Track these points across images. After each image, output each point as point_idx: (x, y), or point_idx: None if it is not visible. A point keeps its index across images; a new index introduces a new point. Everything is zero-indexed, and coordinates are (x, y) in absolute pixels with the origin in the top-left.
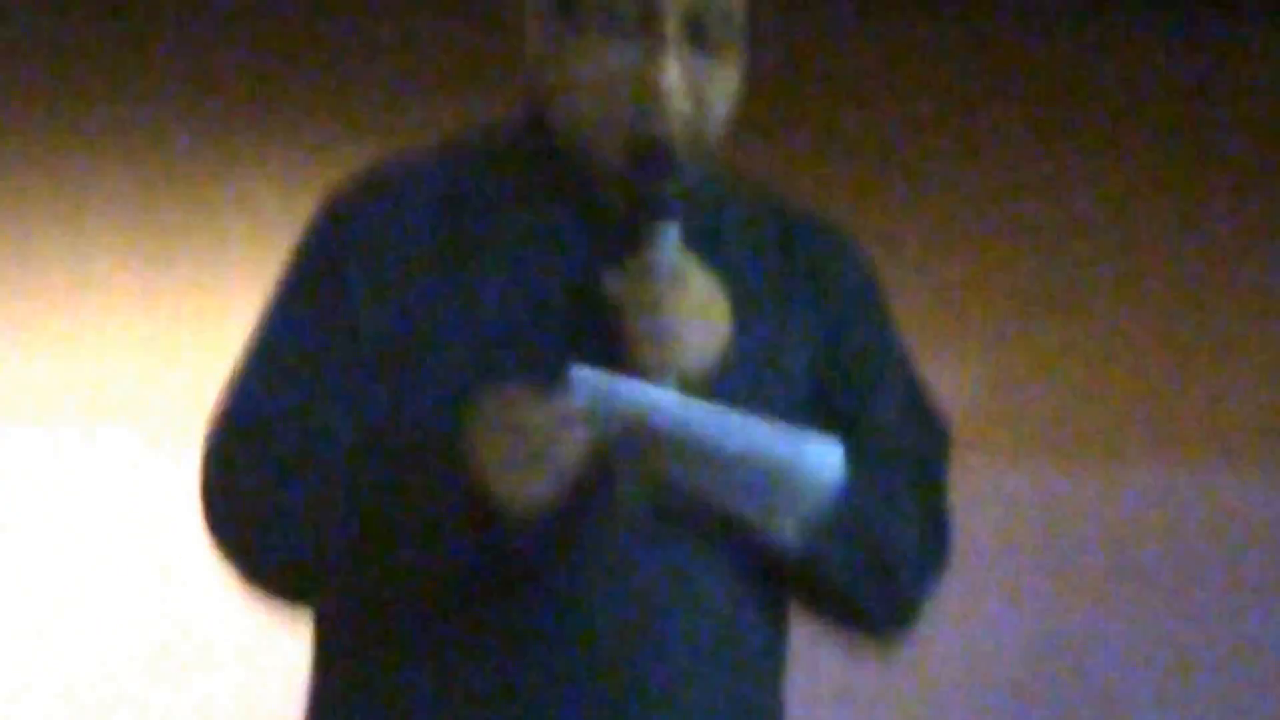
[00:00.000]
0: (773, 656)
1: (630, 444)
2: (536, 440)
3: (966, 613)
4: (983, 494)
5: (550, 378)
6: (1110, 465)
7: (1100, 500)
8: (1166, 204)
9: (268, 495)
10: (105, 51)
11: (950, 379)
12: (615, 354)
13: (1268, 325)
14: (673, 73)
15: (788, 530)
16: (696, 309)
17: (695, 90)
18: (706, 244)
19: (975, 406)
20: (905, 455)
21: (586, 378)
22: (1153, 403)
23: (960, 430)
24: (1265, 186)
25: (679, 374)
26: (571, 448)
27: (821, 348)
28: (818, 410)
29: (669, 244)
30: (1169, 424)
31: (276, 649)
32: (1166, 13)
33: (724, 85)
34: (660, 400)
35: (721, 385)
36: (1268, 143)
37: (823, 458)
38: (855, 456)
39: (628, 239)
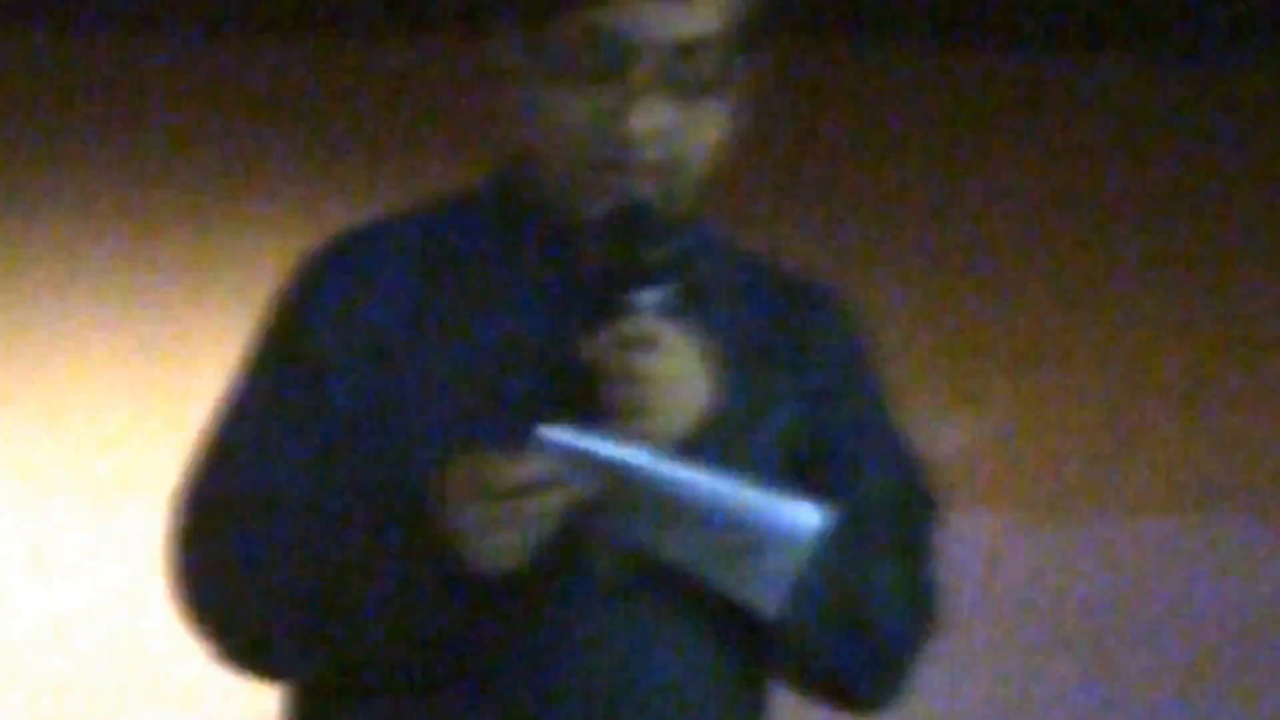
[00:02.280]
0: None
1: (603, 506)
2: (508, 503)
3: (954, 672)
4: (972, 553)
5: (524, 440)
6: (1103, 521)
7: (1093, 557)
8: (1153, 258)
9: (236, 570)
10: (97, 106)
11: (941, 438)
12: (592, 419)
13: (1260, 372)
14: (646, 120)
15: (764, 597)
16: (676, 377)
17: (671, 138)
18: (691, 302)
19: (967, 465)
20: (893, 521)
21: (559, 439)
22: (1144, 458)
23: (952, 491)
24: (1253, 235)
25: (655, 441)
26: (543, 511)
27: (808, 413)
28: (802, 476)
29: (648, 311)
30: (1160, 479)
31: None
32: (1151, 51)
33: (704, 133)
34: (634, 462)
35: (699, 450)
36: (1252, 192)
37: (798, 520)
38: (841, 522)
39: (603, 299)
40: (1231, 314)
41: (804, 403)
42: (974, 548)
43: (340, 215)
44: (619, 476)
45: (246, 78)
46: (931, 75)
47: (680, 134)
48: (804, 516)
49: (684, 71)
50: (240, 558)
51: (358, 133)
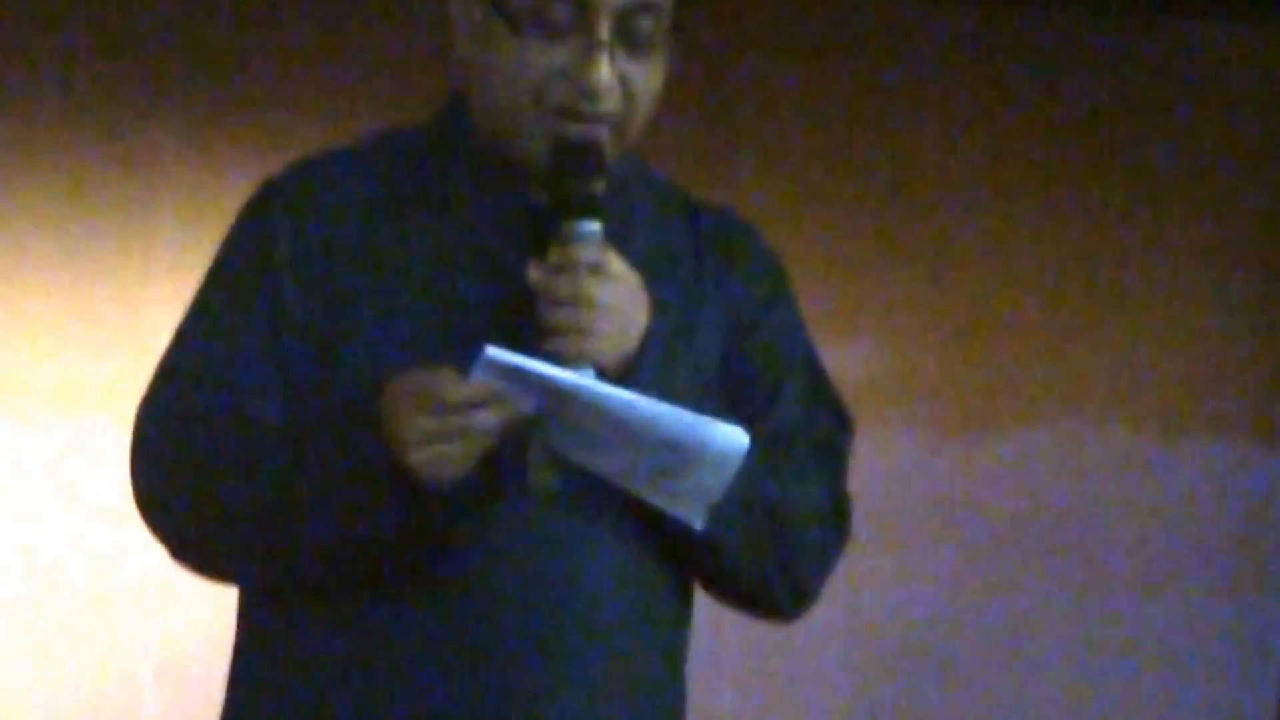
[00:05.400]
0: (676, 630)
1: (542, 423)
2: (450, 417)
3: (859, 584)
4: (875, 467)
5: (470, 359)
6: (996, 432)
7: (988, 467)
8: (1050, 177)
9: (192, 477)
10: (35, 50)
11: (845, 356)
12: (535, 343)
13: (1152, 289)
14: (605, 73)
15: (692, 511)
16: (616, 303)
17: (625, 89)
18: (620, 235)
19: (868, 382)
20: (809, 440)
21: (500, 358)
22: (1038, 370)
23: (856, 407)
24: (1147, 156)
25: (596, 365)
26: (484, 425)
27: (730, 336)
28: (726, 396)
29: (591, 240)
30: (1055, 391)
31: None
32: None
33: (650, 83)
34: (571, 383)
35: (636, 371)
36: (1145, 115)
37: (727, 442)
38: (761, 441)
39: (550, 232)
40: (1106, 229)
41: (728, 327)
42: (880, 464)
43: (285, 156)
44: (558, 395)
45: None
46: (877, 25)
47: (632, 85)
48: (729, 438)
49: (635, 27)
50: (196, 467)
51: (293, 73)
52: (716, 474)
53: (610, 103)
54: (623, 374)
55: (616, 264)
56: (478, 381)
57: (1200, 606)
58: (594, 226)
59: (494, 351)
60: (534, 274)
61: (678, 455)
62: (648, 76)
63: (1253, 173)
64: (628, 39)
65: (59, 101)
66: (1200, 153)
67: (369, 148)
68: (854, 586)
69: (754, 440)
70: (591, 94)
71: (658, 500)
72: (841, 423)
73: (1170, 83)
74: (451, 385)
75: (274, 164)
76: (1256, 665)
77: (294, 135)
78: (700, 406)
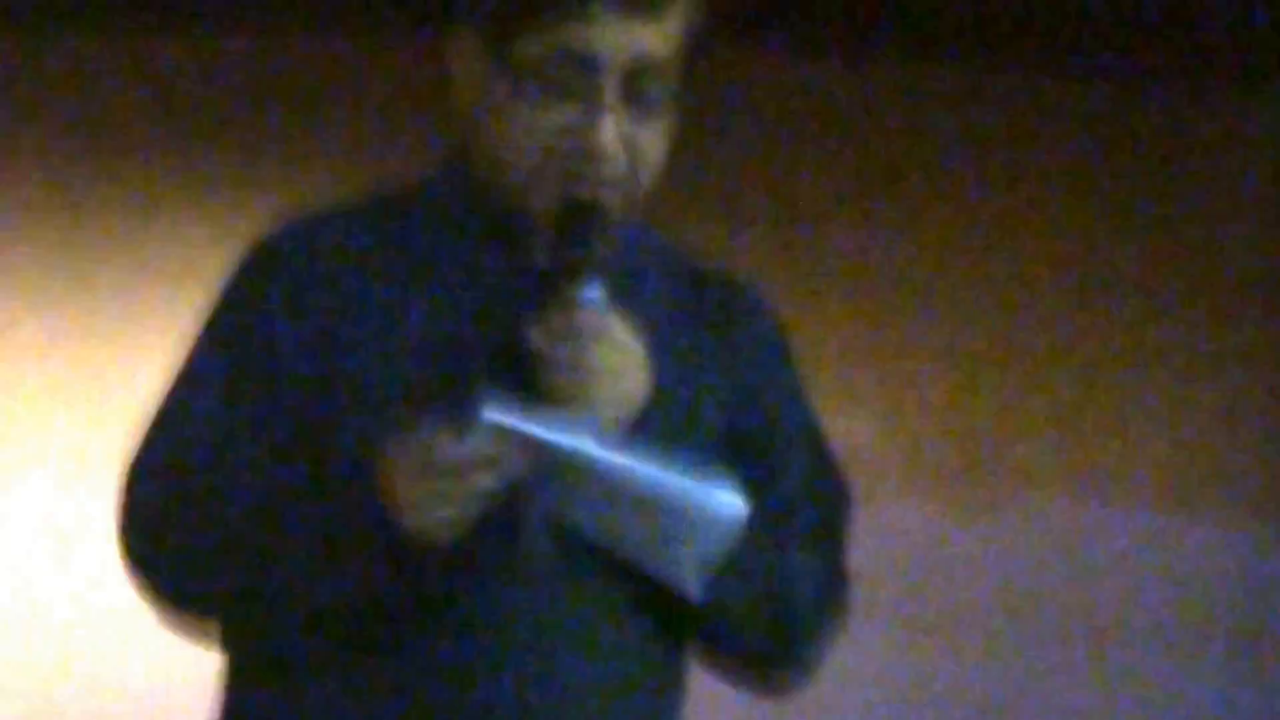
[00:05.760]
0: (669, 698)
1: (539, 487)
2: (448, 480)
3: (858, 656)
4: (875, 539)
5: (467, 420)
6: (1000, 505)
7: (991, 540)
8: (1059, 246)
9: (182, 531)
10: (31, 80)
11: (847, 426)
12: (534, 404)
13: (1163, 369)
14: (611, 135)
15: (689, 580)
16: (616, 367)
17: (630, 151)
18: (622, 299)
19: (870, 454)
20: (808, 511)
21: (499, 418)
22: (1042, 442)
23: (856, 476)
24: (1163, 233)
25: (594, 429)
26: (481, 488)
27: (731, 402)
28: (727, 464)
29: (593, 306)
30: (1060, 464)
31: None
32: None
33: (657, 145)
34: (570, 445)
35: (635, 438)
36: (1166, 193)
37: (726, 509)
38: (760, 510)
39: (551, 292)
40: (1121, 310)
41: (730, 392)
42: (881, 537)
43: (282, 198)
44: (556, 459)
45: (198, 48)
46: (859, 87)
47: (639, 147)
48: (729, 506)
49: (644, 88)
50: (185, 528)
51: (292, 127)
52: (714, 542)
53: (615, 166)
54: (622, 439)
55: (618, 330)
56: (475, 443)
57: (1206, 684)
58: (596, 293)
59: (493, 413)
60: (534, 337)
61: (676, 521)
62: (654, 140)
63: (1266, 241)
64: (634, 101)
65: (47, 153)
66: (1212, 222)
67: (365, 206)
68: (852, 658)
69: (754, 511)
70: (596, 157)
71: (654, 568)
72: (842, 495)
73: (1181, 149)
74: (449, 447)
75: (275, 204)
76: None
77: (288, 180)
78: (700, 474)
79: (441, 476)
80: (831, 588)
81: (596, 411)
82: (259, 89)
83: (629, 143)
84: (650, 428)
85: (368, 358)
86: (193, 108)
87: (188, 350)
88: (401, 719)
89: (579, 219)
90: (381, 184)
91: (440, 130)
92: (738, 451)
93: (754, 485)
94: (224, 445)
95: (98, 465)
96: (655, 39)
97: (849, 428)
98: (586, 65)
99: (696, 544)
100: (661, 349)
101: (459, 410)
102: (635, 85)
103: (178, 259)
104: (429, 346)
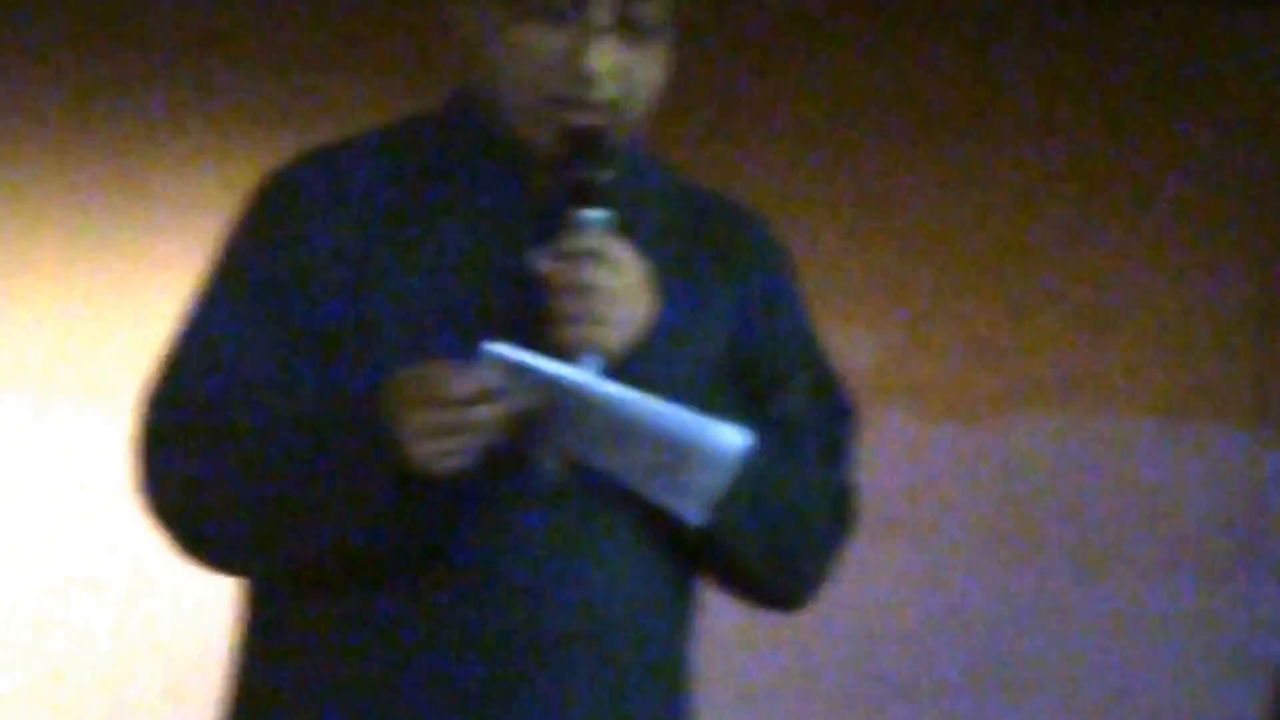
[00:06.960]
0: (680, 625)
1: (542, 419)
2: (449, 411)
3: (863, 572)
4: (876, 454)
5: (474, 352)
6: (999, 419)
7: (997, 456)
8: (1055, 167)
9: (196, 464)
10: (36, 26)
11: (849, 343)
12: (541, 331)
13: (1155, 277)
14: (604, 59)
15: (693, 508)
16: (622, 292)
17: (624, 76)
18: (626, 225)
19: (871, 369)
20: (813, 433)
21: (502, 353)
22: (1039, 357)
23: (859, 394)
24: (1151, 146)
25: (600, 354)
26: (486, 420)
27: (735, 327)
28: (731, 388)
29: (598, 229)
30: (1057, 378)
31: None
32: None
33: (651, 72)
34: (573, 379)
35: (639, 364)
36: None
37: (726, 443)
38: (766, 434)
39: (558, 220)
40: (1114, 224)
41: (734, 318)
42: (881, 451)
43: (289, 138)
44: (560, 392)
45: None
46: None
47: (632, 72)
48: (729, 439)
49: (636, 14)
50: (201, 456)
51: (301, 59)
52: (715, 474)
53: (608, 90)
54: (628, 362)
55: (622, 252)
56: (477, 376)
57: (1198, 593)
58: (600, 215)
59: (495, 347)
60: (540, 261)
61: (677, 454)
62: (649, 66)
63: (1257, 162)
64: (629, 26)
65: (56, 90)
66: (1204, 143)
67: (376, 137)
68: (857, 575)
69: (759, 431)
70: (588, 81)
71: (658, 497)
72: (846, 412)
73: (1170, 73)
74: (451, 379)
75: (283, 144)
76: (1254, 652)
77: (291, 120)
78: (705, 396)
79: (443, 408)
80: (838, 503)
81: (602, 331)
82: (267, 21)
83: (622, 68)
84: (655, 348)
85: (383, 289)
86: (204, 36)
87: (207, 277)
88: (412, 651)
89: (582, 143)
90: (390, 118)
91: (449, 69)
92: (742, 371)
93: (758, 404)
94: (242, 373)
95: (114, 393)
96: None
97: (849, 344)
98: None
99: (698, 474)
100: (665, 272)
101: (470, 341)
102: (630, 10)
103: (188, 188)
104: (441, 277)
